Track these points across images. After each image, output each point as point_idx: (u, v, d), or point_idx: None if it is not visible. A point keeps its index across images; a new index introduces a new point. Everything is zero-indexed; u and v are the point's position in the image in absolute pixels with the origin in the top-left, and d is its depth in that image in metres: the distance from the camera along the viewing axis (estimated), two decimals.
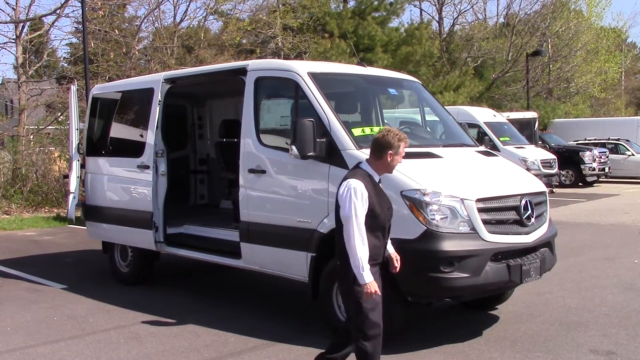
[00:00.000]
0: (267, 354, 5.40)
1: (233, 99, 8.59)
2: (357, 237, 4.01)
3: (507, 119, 20.21)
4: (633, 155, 24.91)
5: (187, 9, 24.91)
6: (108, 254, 8.64)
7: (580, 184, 22.87)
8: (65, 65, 27.01)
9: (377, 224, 4.16)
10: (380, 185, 4.32)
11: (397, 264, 4.52)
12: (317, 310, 5.95)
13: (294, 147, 5.69)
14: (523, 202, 5.57)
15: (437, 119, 7.39)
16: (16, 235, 13.45)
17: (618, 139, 25.73)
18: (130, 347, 5.69)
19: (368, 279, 4.01)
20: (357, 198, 4.02)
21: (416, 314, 6.41)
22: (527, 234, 5.57)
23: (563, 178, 22.57)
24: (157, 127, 7.57)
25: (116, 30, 21.41)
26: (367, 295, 4.02)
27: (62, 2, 19.47)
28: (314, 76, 6.09)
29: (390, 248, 4.51)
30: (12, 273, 9.18)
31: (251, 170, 6.34)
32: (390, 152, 4.23)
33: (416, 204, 5.14)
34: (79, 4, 16.28)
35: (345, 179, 4.19)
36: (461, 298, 6.07)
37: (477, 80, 30.81)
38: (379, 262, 4.28)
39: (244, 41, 26.65)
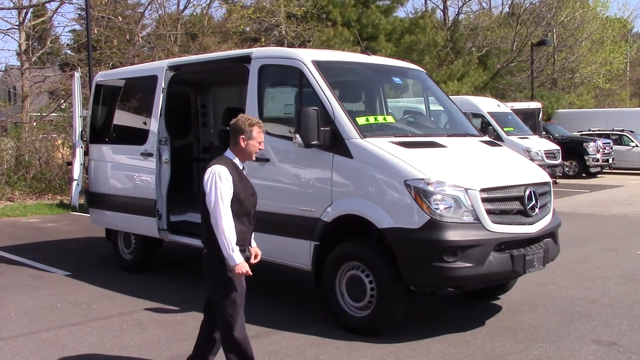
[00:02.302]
0: (269, 342, 5.42)
1: (237, 86, 8.55)
2: (225, 220, 4.06)
3: (511, 109, 20.12)
4: (637, 146, 24.83)
5: None
6: (111, 241, 8.66)
7: (583, 174, 22.82)
8: (69, 52, 26.98)
9: (242, 209, 4.23)
10: (244, 172, 4.36)
11: (255, 260, 4.47)
12: (320, 299, 5.96)
13: (297, 136, 5.68)
14: (527, 192, 5.55)
15: (442, 108, 7.35)
16: (19, 222, 13.49)
17: (622, 130, 25.64)
18: (134, 334, 5.72)
19: (238, 259, 4.06)
20: (221, 182, 4.09)
21: (419, 303, 6.42)
22: (531, 224, 5.56)
23: (567, 169, 22.52)
24: (160, 114, 7.55)
25: (119, 17, 21.32)
26: (238, 276, 4.10)
27: None
28: (319, 64, 6.06)
29: (252, 242, 4.52)
30: (16, 259, 9.21)
31: (255, 159, 6.31)
32: (242, 137, 4.26)
33: (420, 194, 5.12)
34: None
35: (209, 165, 4.25)
36: (464, 288, 6.07)
37: (481, 69, 30.68)
38: (244, 249, 4.31)
39: (248, 29, 26.54)
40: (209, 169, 4.18)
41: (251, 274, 4.13)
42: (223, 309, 4.23)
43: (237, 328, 4.24)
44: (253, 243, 4.52)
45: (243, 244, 4.24)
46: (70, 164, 9.56)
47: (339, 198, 5.63)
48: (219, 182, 4.09)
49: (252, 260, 4.43)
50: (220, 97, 9.71)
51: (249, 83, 6.52)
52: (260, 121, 4.40)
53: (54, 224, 13.04)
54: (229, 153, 4.33)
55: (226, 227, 4.05)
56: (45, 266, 8.68)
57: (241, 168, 4.33)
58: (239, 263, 4.06)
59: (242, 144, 4.28)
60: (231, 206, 4.12)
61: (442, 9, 37.20)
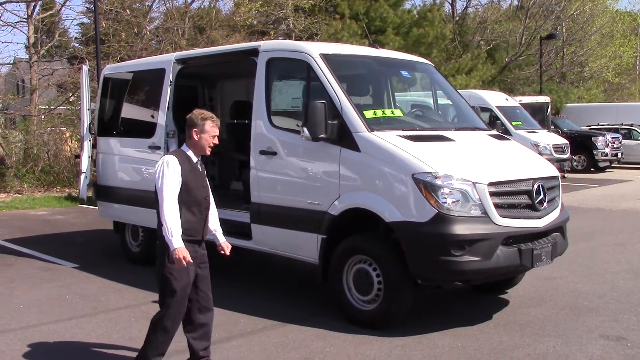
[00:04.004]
0: (277, 335, 5.43)
1: (244, 80, 8.55)
2: (168, 206, 4.21)
3: (520, 103, 20.02)
4: None
5: None
6: (119, 233, 8.70)
7: (592, 169, 22.72)
8: (77, 45, 27.06)
9: (192, 198, 4.34)
10: (198, 166, 4.45)
11: (225, 252, 4.66)
12: (327, 292, 5.97)
13: (305, 129, 5.68)
14: (535, 186, 5.53)
15: (450, 102, 7.33)
16: (28, 214, 13.57)
17: (631, 125, 25.51)
18: (142, 326, 5.73)
19: (177, 244, 4.15)
20: (168, 170, 4.25)
21: (426, 297, 6.42)
22: (539, 218, 5.54)
23: (575, 163, 22.42)
24: (168, 107, 7.57)
25: (127, 10, 21.32)
26: (177, 261, 4.15)
27: None
28: (326, 58, 6.05)
29: (221, 237, 4.65)
30: (25, 252, 9.27)
31: (262, 152, 6.33)
32: (194, 130, 4.38)
33: (428, 187, 5.11)
34: None
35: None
36: (471, 282, 6.07)
37: (489, 63, 30.50)
38: (197, 240, 4.40)
39: (255, 22, 26.49)
40: (161, 159, 4.35)
41: (191, 260, 4.21)
42: (160, 296, 4.39)
43: (167, 318, 4.36)
44: (222, 238, 4.65)
45: (193, 234, 4.35)
46: (78, 156, 9.60)
47: (347, 191, 5.62)
48: (165, 170, 4.25)
49: (227, 252, 4.64)
50: (228, 90, 9.70)
51: (256, 76, 6.52)
52: (214, 116, 4.48)
53: (62, 216, 13.11)
54: (185, 147, 4.47)
55: (167, 213, 4.20)
56: (53, 258, 8.73)
57: (195, 161, 4.43)
58: (177, 248, 4.15)
59: (195, 137, 4.41)
60: (180, 195, 4.27)
61: (450, 2, 37.01)
